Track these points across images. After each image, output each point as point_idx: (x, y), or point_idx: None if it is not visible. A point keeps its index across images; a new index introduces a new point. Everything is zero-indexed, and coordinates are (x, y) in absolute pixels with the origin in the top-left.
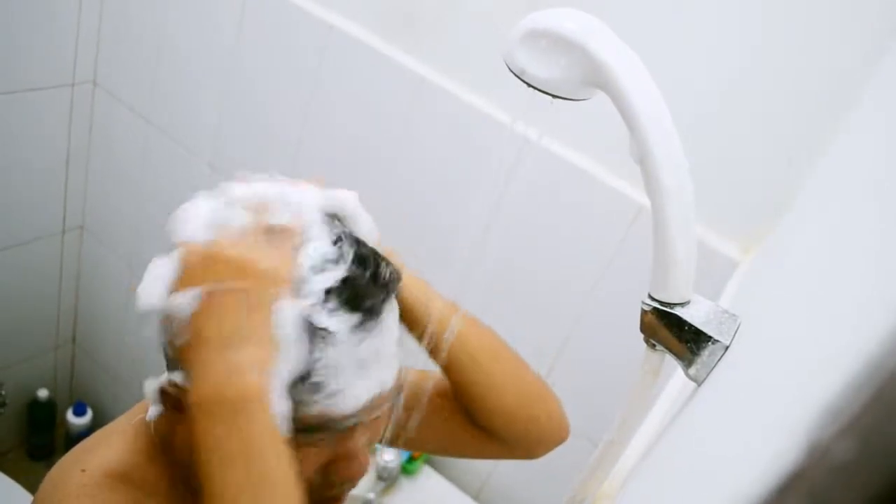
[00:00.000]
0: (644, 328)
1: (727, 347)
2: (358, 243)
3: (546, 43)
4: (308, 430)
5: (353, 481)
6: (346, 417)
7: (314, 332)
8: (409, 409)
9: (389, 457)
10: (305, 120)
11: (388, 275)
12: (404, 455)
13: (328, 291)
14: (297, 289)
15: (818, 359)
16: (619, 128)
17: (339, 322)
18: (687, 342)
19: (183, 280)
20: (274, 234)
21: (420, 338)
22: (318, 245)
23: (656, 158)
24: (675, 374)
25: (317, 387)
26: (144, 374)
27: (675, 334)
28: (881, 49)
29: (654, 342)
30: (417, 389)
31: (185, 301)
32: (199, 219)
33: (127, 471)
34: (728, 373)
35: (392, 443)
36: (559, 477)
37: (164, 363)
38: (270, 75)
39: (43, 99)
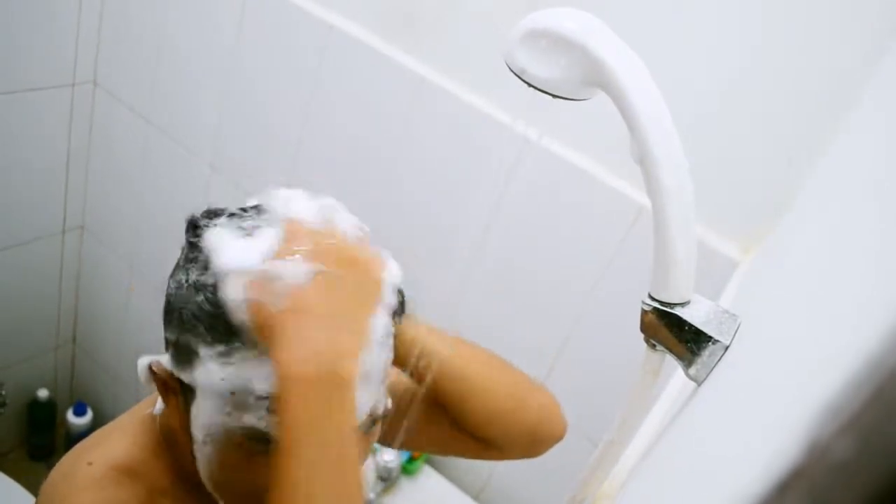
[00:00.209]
0: (644, 328)
1: (727, 347)
2: None
3: (546, 43)
4: None
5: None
6: None
7: None
8: (403, 414)
9: (389, 457)
10: (305, 120)
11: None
12: (404, 455)
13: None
14: (385, 301)
15: (818, 359)
16: (620, 128)
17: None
18: (687, 342)
19: (293, 252)
20: (370, 248)
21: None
22: (396, 267)
23: (656, 158)
24: (675, 374)
25: None
26: None
27: (675, 334)
28: (881, 49)
29: (654, 342)
30: (411, 396)
31: (298, 270)
32: (302, 204)
33: (132, 465)
34: (728, 373)
35: (393, 445)
36: (559, 477)
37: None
38: (270, 75)
39: (43, 99)
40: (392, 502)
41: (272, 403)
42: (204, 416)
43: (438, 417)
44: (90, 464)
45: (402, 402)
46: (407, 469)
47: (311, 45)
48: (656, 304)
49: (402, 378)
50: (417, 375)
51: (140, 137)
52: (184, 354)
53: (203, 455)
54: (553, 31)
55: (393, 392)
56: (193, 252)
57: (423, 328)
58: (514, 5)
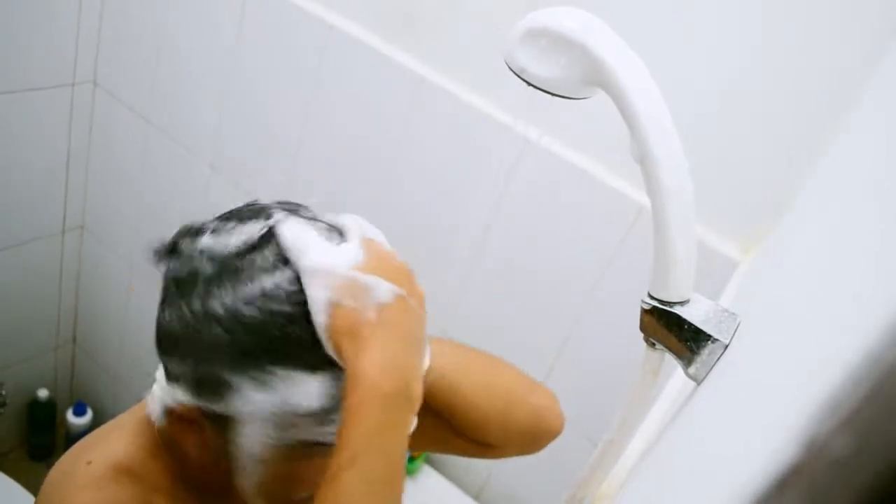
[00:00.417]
0: (644, 327)
1: (727, 346)
2: None
3: (546, 42)
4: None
5: None
6: None
7: None
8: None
9: None
10: (305, 120)
11: None
12: None
13: None
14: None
15: (818, 358)
16: (620, 128)
17: None
18: (686, 341)
19: (386, 272)
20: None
21: None
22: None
23: (656, 158)
24: (674, 374)
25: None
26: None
27: (674, 333)
28: (881, 49)
29: (653, 341)
30: None
31: (386, 288)
32: (371, 230)
33: (131, 465)
34: (727, 372)
35: None
36: (559, 476)
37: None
38: (270, 75)
39: (43, 99)
40: None
41: (323, 416)
42: (250, 442)
43: (435, 420)
44: (89, 463)
45: None
46: (407, 468)
47: (311, 45)
48: (656, 303)
49: None
50: None
51: (140, 137)
52: (210, 386)
53: (253, 474)
54: (553, 30)
55: None
56: (193, 276)
57: None
58: (514, 5)
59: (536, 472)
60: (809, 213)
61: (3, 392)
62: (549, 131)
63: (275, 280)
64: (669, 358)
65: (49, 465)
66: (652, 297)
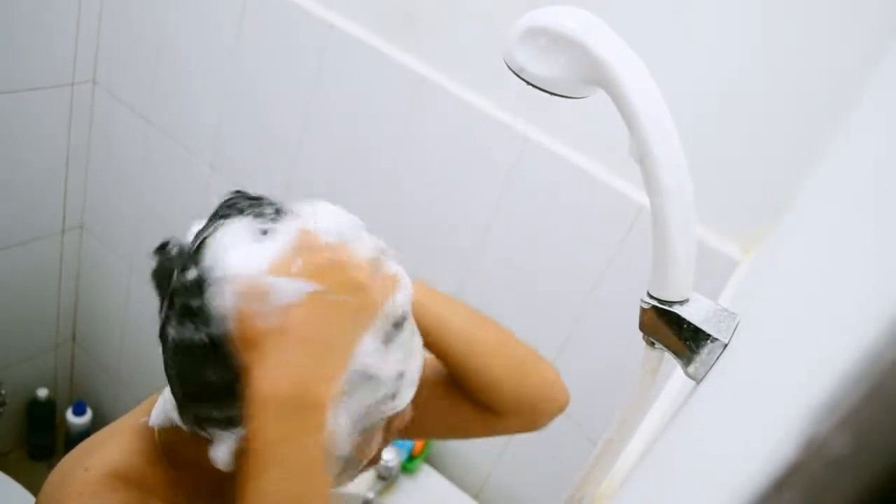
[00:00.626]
0: (643, 326)
1: (726, 346)
2: None
3: (545, 41)
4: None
5: (404, 432)
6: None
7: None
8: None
9: (389, 456)
10: (306, 120)
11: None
12: (404, 454)
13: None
14: (384, 327)
15: (817, 357)
16: (620, 127)
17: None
18: (686, 340)
19: (297, 269)
20: (383, 273)
21: None
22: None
23: (656, 158)
24: (674, 373)
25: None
26: (144, 374)
27: (674, 332)
28: (881, 49)
29: (653, 340)
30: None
31: (293, 288)
32: (330, 219)
33: (129, 472)
34: (727, 371)
35: (402, 434)
36: (558, 476)
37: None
38: (270, 75)
39: (43, 98)
40: (392, 501)
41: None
42: (341, 434)
43: (440, 391)
44: (87, 470)
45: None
46: (407, 468)
47: (311, 44)
48: (655, 303)
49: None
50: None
51: (140, 137)
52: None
53: (336, 464)
54: (552, 29)
55: None
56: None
57: (421, 287)
58: (514, 5)
59: (536, 471)
60: (809, 213)
61: (3, 392)
62: (548, 131)
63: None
64: (669, 357)
65: (49, 465)
66: (651, 297)
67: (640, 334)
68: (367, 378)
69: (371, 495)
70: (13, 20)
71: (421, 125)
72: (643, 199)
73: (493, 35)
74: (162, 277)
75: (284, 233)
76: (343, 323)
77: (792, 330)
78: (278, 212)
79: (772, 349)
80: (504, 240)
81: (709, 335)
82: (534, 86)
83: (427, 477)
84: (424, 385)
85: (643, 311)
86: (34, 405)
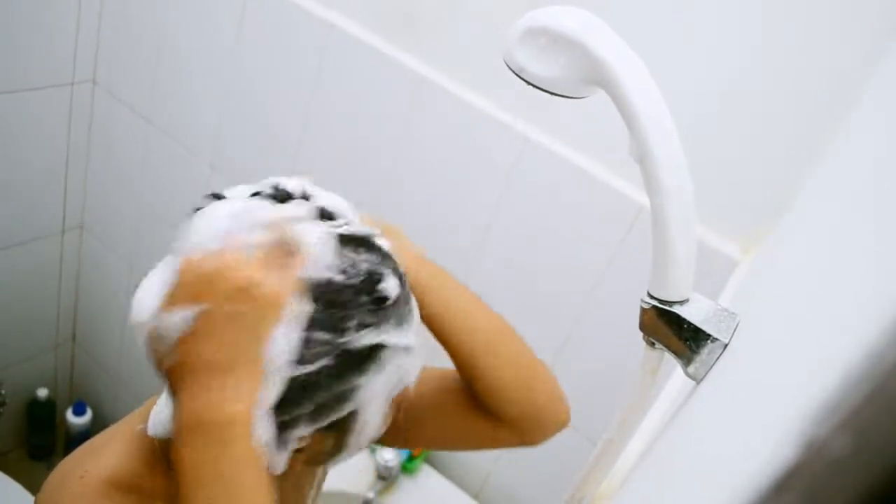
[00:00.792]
0: (643, 326)
1: (726, 346)
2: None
3: (545, 41)
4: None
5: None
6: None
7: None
8: (422, 409)
9: (389, 455)
10: (305, 120)
11: (394, 295)
12: (404, 454)
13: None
14: (296, 317)
15: (818, 357)
16: (620, 127)
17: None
18: (686, 340)
19: (178, 297)
20: (282, 255)
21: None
22: (322, 272)
23: (656, 157)
24: (674, 373)
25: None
26: (144, 374)
27: (674, 332)
28: (881, 49)
29: (653, 340)
30: (425, 389)
31: (177, 321)
32: (211, 227)
33: (126, 478)
34: (727, 371)
35: (400, 445)
36: (558, 476)
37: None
38: (270, 75)
39: (43, 98)
40: (392, 501)
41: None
42: (376, 413)
43: (449, 404)
44: (83, 477)
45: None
46: (406, 468)
47: (311, 44)
48: (655, 303)
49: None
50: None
51: (140, 137)
52: (338, 401)
53: (374, 434)
54: (552, 29)
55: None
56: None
57: (447, 284)
58: (514, 5)
59: (536, 471)
60: (809, 213)
61: (3, 391)
62: (549, 131)
63: None
64: (669, 357)
65: (49, 465)
66: (652, 297)
67: (640, 334)
68: (405, 351)
69: (371, 495)
70: (13, 20)
71: (421, 125)
72: (643, 199)
73: (493, 35)
74: None
75: (171, 261)
76: (238, 334)
77: (792, 330)
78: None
79: (772, 349)
80: (504, 240)
81: (709, 335)
82: (534, 86)
83: (427, 477)
84: (437, 400)
85: (643, 311)
86: (34, 405)
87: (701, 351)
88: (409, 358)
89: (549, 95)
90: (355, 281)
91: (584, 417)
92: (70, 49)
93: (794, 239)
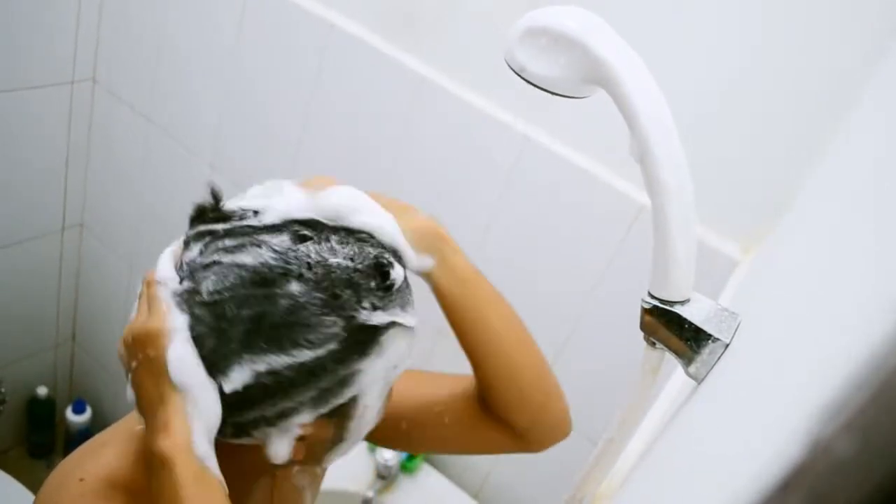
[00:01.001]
0: (644, 326)
1: (727, 346)
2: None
3: (546, 41)
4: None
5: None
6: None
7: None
8: (428, 415)
9: (389, 455)
10: (306, 120)
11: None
12: (404, 453)
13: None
14: (173, 332)
15: (818, 357)
16: (620, 127)
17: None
18: (687, 340)
19: (125, 372)
20: (144, 294)
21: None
22: (168, 284)
23: (656, 157)
24: (675, 373)
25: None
26: None
27: (675, 332)
28: (881, 49)
29: (653, 340)
30: (431, 395)
31: (129, 393)
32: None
33: (125, 479)
34: (728, 371)
35: (403, 448)
36: (558, 476)
37: None
38: (270, 75)
39: (43, 97)
40: (391, 500)
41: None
42: (376, 398)
43: (451, 403)
44: (82, 479)
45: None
46: (406, 467)
47: (311, 44)
48: (656, 303)
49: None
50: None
51: (140, 136)
52: (340, 386)
53: (375, 421)
54: (553, 29)
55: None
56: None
57: (480, 287)
58: (514, 4)
59: (536, 471)
60: (809, 213)
61: (3, 390)
62: (549, 131)
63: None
64: (669, 357)
65: (49, 463)
66: (652, 297)
67: (641, 334)
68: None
69: (371, 494)
70: (13, 18)
71: (421, 125)
72: (643, 198)
73: (493, 34)
74: None
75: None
76: (147, 378)
77: (793, 330)
78: None
79: (773, 349)
80: (504, 240)
81: (710, 335)
82: (534, 85)
83: (427, 476)
84: (431, 399)
85: (644, 311)
86: (34, 403)
87: (702, 351)
88: (407, 339)
89: (549, 95)
90: (361, 265)
91: (585, 417)
92: (70, 48)
93: (794, 239)
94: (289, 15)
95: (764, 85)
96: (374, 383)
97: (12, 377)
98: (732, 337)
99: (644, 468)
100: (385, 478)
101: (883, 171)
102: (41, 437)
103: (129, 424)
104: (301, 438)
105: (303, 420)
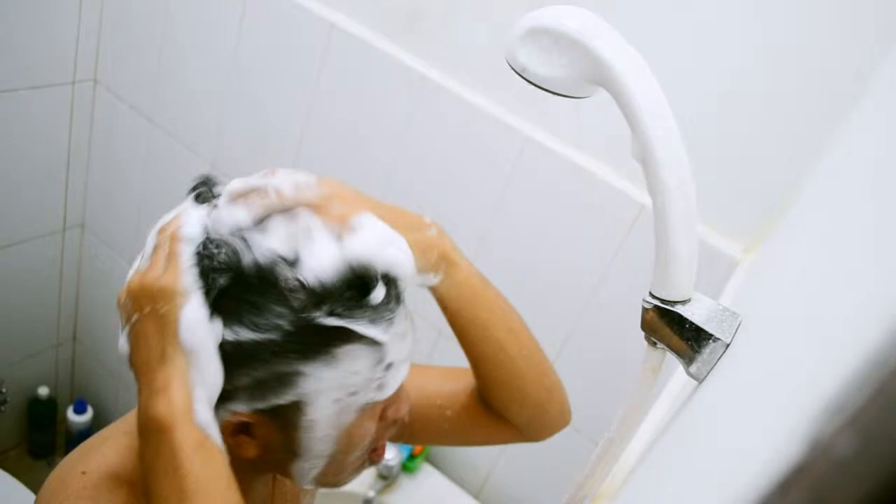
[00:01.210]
0: (645, 326)
1: (728, 345)
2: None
3: (547, 41)
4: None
5: (403, 420)
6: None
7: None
8: (428, 407)
9: (390, 455)
10: (307, 119)
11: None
12: (405, 453)
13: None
14: (190, 294)
15: (819, 357)
16: (621, 127)
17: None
18: (688, 340)
19: (122, 321)
20: (163, 247)
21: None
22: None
23: (658, 157)
24: (675, 373)
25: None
26: None
27: (676, 332)
28: (881, 49)
29: (654, 340)
30: (431, 386)
31: (122, 342)
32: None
33: (128, 473)
34: (729, 371)
35: (405, 440)
36: (559, 475)
37: None
38: (271, 74)
39: (44, 97)
40: (392, 500)
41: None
42: (325, 414)
43: (451, 396)
44: (84, 473)
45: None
46: (407, 467)
47: (312, 44)
48: (657, 302)
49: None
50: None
51: (141, 135)
52: (278, 383)
53: (318, 449)
54: (554, 29)
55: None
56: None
57: (485, 290)
58: (516, 4)
59: (536, 471)
60: (810, 212)
61: (4, 390)
62: (550, 130)
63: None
64: (670, 357)
65: (50, 463)
66: (653, 296)
67: (642, 334)
68: (330, 363)
69: (371, 494)
70: (14, 18)
71: (422, 125)
72: (645, 198)
73: (495, 34)
74: None
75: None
76: (153, 332)
77: (794, 330)
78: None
79: (774, 349)
80: (505, 239)
81: (711, 335)
82: (536, 85)
83: (427, 476)
84: (432, 391)
85: (645, 310)
86: (35, 403)
87: (703, 351)
88: (373, 359)
89: (551, 95)
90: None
91: (585, 417)
92: (71, 48)
93: (795, 238)
94: (290, 14)
95: (764, 85)
96: (322, 395)
97: (13, 377)
98: (733, 337)
99: (645, 468)
100: (386, 478)
101: (883, 171)
102: (42, 437)
103: (130, 420)
104: (246, 432)
105: (237, 408)
